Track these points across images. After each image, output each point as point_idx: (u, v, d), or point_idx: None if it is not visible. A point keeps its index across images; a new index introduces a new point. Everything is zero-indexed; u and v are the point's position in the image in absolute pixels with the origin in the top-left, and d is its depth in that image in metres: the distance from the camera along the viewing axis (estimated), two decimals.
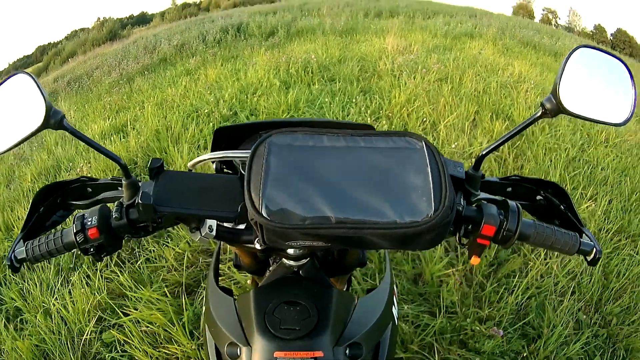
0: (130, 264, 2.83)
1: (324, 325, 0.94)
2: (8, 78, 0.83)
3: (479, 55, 8.81)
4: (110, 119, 6.38)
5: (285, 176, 0.79)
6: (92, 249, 0.88)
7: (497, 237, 0.86)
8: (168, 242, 2.89)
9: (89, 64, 13.53)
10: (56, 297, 2.68)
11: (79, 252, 0.90)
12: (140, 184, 0.91)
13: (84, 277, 2.76)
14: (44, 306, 2.66)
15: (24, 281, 2.94)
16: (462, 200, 0.91)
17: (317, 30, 11.25)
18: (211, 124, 4.43)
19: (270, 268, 1.28)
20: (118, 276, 2.67)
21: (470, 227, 0.90)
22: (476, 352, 2.35)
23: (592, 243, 0.90)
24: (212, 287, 1.19)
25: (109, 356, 2.35)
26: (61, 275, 2.88)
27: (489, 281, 2.75)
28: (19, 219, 3.62)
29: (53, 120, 0.78)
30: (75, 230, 0.87)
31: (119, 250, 0.96)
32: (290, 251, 1.04)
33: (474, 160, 0.96)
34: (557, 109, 0.83)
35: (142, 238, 2.85)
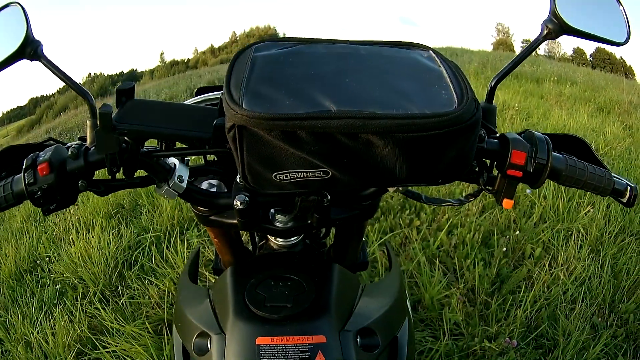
0: (114, 302, 2.81)
1: (324, 302, 0.81)
2: (2, 9, 0.85)
3: None
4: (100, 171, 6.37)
5: (275, 73, 0.68)
6: (40, 192, 0.74)
7: (528, 169, 0.75)
8: (152, 279, 2.87)
9: (80, 117, 13.73)
10: (38, 330, 2.66)
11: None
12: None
13: (66, 313, 2.73)
14: (25, 338, 2.64)
15: (7, 314, 2.92)
16: (483, 133, 0.78)
17: None
18: None
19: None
20: (100, 312, 2.65)
21: (495, 164, 0.79)
22: None
23: (624, 181, 0.83)
24: (184, 282, 1.05)
25: None
26: (44, 310, 2.85)
27: (494, 298, 2.68)
28: (6, 255, 3.62)
29: (29, 48, 0.78)
30: (24, 166, 0.75)
31: (73, 205, 0.81)
32: (278, 223, 0.91)
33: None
34: (560, 28, 0.83)
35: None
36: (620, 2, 0.91)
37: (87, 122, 0.79)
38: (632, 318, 2.69)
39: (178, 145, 0.81)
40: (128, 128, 0.73)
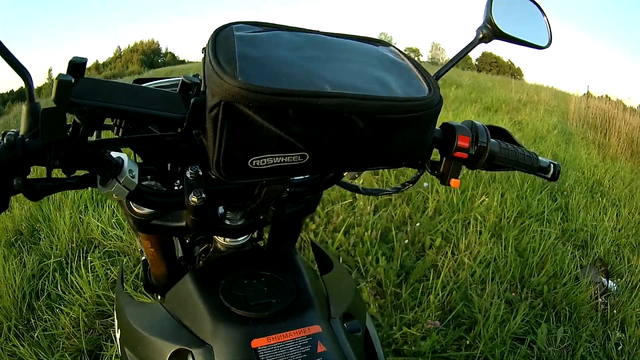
0: (29, 336, 2.57)
1: (306, 293, 0.81)
2: None
3: None
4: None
5: (264, 51, 0.65)
6: None
7: (471, 151, 0.83)
8: (62, 308, 2.67)
9: None
10: None
11: None
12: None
13: None
14: None
15: None
16: None
17: None
18: (90, 189, 4.24)
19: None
20: (19, 349, 2.43)
21: (440, 150, 0.86)
22: (416, 355, 2.24)
23: (547, 160, 0.96)
24: (124, 300, 0.95)
25: None
26: None
27: (403, 288, 2.67)
28: None
29: None
30: None
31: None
32: (228, 221, 0.87)
33: None
34: (493, 34, 0.93)
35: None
36: (543, 12, 1.06)
37: (23, 107, 0.64)
38: (546, 289, 2.79)
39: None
40: (90, 104, 0.59)
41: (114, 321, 1.05)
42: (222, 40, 0.65)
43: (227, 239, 1.00)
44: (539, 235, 3.34)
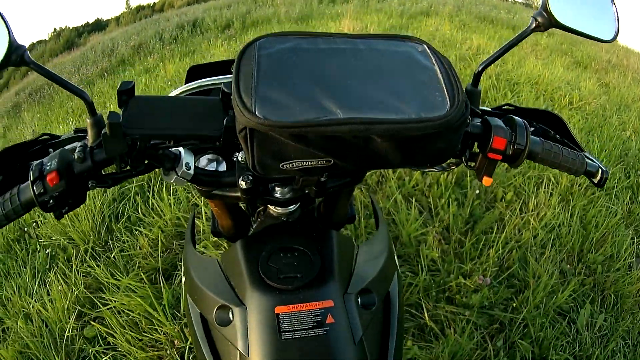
0: (105, 257, 2.83)
1: (329, 270, 0.92)
2: None
3: (436, 32, 9.10)
4: (73, 123, 6.36)
5: (281, 74, 0.74)
6: (52, 201, 0.78)
7: (508, 152, 0.83)
8: (141, 230, 2.91)
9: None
10: (35, 299, 2.64)
11: (40, 212, 0.82)
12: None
13: (60, 276, 2.73)
14: (23, 311, 2.62)
15: (2, 289, 2.89)
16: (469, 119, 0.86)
17: (272, 20, 11.59)
18: None
19: (254, 225, 1.24)
20: (93, 269, 2.67)
21: (477, 144, 0.88)
22: (465, 307, 2.41)
23: (596, 164, 0.93)
24: (191, 252, 1.14)
25: (92, 350, 2.31)
26: (38, 277, 2.84)
27: (467, 237, 2.82)
28: None
29: (15, 55, 0.77)
30: (32, 178, 0.78)
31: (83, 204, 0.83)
32: (278, 194, 0.99)
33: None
34: (549, 23, 0.90)
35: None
36: (614, 2, 0.98)
37: (87, 120, 0.81)
38: (600, 269, 2.86)
39: None
40: (139, 133, 0.77)
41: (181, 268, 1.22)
42: (245, 64, 0.76)
43: (278, 208, 1.10)
44: (605, 210, 3.38)
